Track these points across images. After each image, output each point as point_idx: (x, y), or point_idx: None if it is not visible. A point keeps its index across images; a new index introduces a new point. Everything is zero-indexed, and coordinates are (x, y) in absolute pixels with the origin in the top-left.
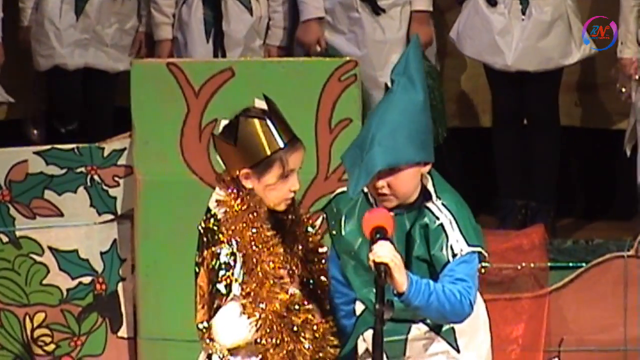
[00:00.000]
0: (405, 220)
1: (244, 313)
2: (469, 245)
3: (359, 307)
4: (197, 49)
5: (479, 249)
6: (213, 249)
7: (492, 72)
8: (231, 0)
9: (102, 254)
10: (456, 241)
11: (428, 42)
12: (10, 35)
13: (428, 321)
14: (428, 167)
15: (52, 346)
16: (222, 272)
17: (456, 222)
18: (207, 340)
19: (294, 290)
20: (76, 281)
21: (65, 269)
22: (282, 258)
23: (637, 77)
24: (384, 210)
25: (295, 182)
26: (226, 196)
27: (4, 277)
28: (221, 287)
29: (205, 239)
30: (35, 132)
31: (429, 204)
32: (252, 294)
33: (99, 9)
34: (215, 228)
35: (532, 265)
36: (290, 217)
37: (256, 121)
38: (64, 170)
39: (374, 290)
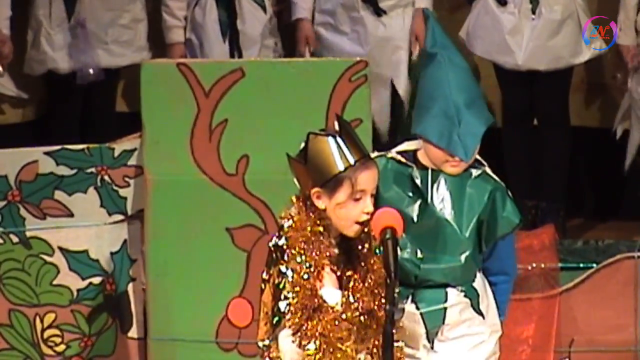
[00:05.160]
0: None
1: (294, 335)
2: None
3: None
4: (214, 50)
5: None
6: (280, 267)
7: (502, 71)
8: None
9: (112, 254)
10: None
11: None
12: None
13: (461, 287)
14: None
15: (62, 346)
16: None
17: None
18: (267, 359)
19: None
20: (86, 281)
21: (76, 270)
22: (339, 283)
23: (633, 63)
24: (394, 210)
25: (369, 204)
26: (296, 215)
27: (14, 278)
28: (283, 306)
29: (274, 256)
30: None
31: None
32: (299, 315)
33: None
34: (285, 247)
35: (542, 265)
36: (366, 246)
37: (325, 139)
38: (74, 171)
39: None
